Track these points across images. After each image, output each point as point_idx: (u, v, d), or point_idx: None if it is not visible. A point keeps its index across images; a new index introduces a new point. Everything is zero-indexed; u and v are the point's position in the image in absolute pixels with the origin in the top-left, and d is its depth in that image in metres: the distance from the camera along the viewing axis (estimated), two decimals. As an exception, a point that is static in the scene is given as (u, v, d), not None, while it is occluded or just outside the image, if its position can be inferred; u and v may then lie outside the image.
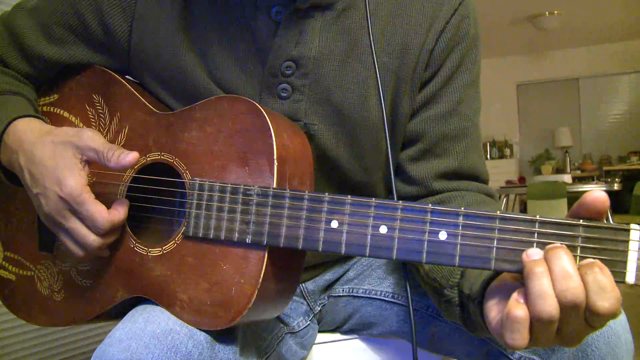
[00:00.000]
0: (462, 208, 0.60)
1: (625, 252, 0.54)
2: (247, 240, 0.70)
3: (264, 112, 0.72)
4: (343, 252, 0.65)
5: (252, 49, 0.84)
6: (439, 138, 0.87)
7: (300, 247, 0.67)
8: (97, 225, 0.74)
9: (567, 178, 6.61)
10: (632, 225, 0.54)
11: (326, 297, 1.05)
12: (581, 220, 0.55)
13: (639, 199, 5.81)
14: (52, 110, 0.92)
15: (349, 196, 0.65)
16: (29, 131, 0.80)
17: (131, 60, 0.89)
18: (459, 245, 0.59)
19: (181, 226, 0.75)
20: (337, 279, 1.05)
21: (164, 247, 0.76)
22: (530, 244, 0.57)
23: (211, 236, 0.72)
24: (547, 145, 8.69)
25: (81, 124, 0.88)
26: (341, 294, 1.03)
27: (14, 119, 0.82)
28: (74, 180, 0.75)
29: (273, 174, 0.70)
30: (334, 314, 1.05)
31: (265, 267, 0.69)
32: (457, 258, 0.59)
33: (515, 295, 0.54)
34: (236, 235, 0.71)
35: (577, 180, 7.34)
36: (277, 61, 0.83)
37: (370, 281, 1.01)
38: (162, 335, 0.68)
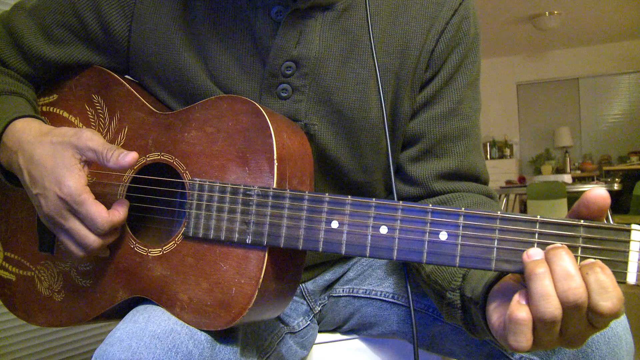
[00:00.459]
0: (463, 208, 0.59)
1: (626, 253, 0.54)
2: (247, 240, 0.70)
3: (263, 112, 0.72)
4: (343, 252, 0.65)
5: (253, 49, 0.84)
6: (439, 138, 0.87)
7: (300, 247, 0.67)
8: (96, 225, 0.74)
9: (567, 178, 6.61)
10: (633, 226, 0.54)
11: (326, 297, 1.05)
12: (582, 221, 0.55)
13: (639, 199, 5.82)
14: (51, 110, 0.92)
15: (349, 196, 0.65)
16: (28, 131, 0.80)
17: (130, 60, 0.88)
18: (459, 246, 0.59)
19: (181, 226, 0.75)
20: (337, 279, 1.05)
21: (164, 248, 0.76)
22: (530, 244, 0.56)
23: (211, 236, 0.72)
24: (547, 145, 8.68)
25: (81, 124, 0.88)
26: (341, 294, 1.03)
27: (13, 120, 0.82)
28: (74, 181, 0.75)
29: (273, 174, 0.70)
30: (334, 314, 1.05)
31: (266, 267, 0.69)
32: (458, 258, 0.59)
33: (517, 297, 0.54)
34: (236, 235, 0.70)
35: (577, 180, 7.34)
36: (277, 61, 0.82)
37: (370, 281, 1.01)
38: (163, 335, 0.68)
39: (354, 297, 1.01)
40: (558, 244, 0.54)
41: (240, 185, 0.71)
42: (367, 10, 0.83)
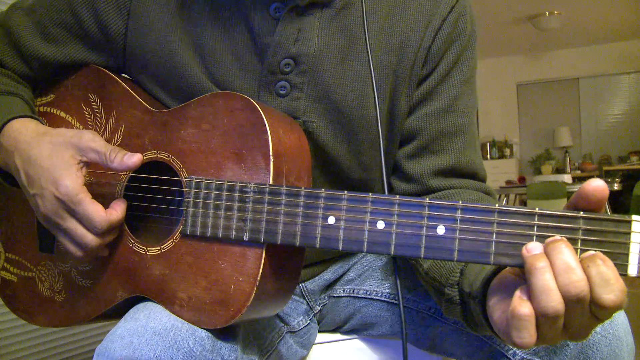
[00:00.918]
0: (460, 202, 0.59)
1: (627, 244, 0.53)
2: (244, 237, 0.70)
3: (258, 108, 0.72)
4: (341, 248, 0.64)
5: (251, 46, 0.84)
6: (435, 135, 0.87)
7: (297, 243, 0.67)
8: (94, 225, 0.74)
9: (567, 178, 6.61)
10: (634, 217, 0.53)
11: (326, 297, 1.05)
12: (581, 213, 0.54)
13: (639, 199, 5.81)
14: (48, 110, 0.92)
15: (346, 191, 0.64)
16: (24, 132, 0.80)
17: (127, 59, 0.88)
18: (457, 240, 0.59)
19: (179, 225, 0.75)
20: (337, 279, 1.05)
21: (162, 246, 0.76)
22: (529, 238, 0.56)
23: (209, 234, 0.72)
24: (547, 145, 8.68)
25: (77, 124, 0.88)
26: (342, 295, 1.03)
27: (10, 120, 0.82)
28: (71, 180, 0.75)
29: (269, 170, 0.70)
30: (334, 314, 1.05)
31: (264, 264, 0.69)
32: (456, 253, 0.59)
33: (518, 292, 0.54)
34: (233, 232, 0.70)
35: (577, 180, 7.33)
36: (275, 58, 0.82)
37: (371, 282, 1.01)
38: (164, 332, 0.68)
39: (355, 297, 1.01)
40: (557, 237, 0.53)
41: (237, 182, 0.71)
42: (363, 9, 0.83)
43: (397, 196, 0.62)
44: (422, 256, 0.60)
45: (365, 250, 0.63)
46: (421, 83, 0.87)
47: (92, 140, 0.77)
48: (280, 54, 0.82)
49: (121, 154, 0.76)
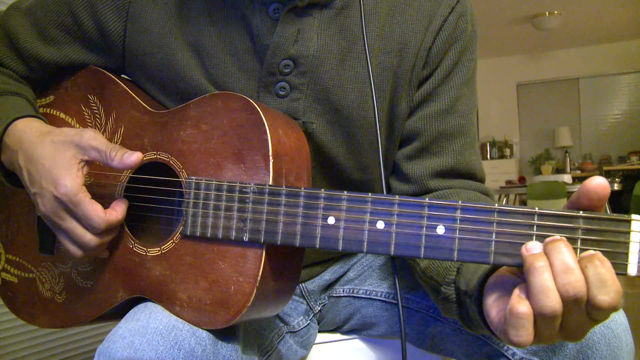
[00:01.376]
0: (460, 202, 0.59)
1: (626, 244, 0.53)
2: (244, 238, 0.70)
3: (258, 108, 0.72)
4: (340, 248, 0.64)
5: (250, 47, 0.84)
6: (435, 136, 0.87)
7: (297, 244, 0.67)
8: (93, 224, 0.74)
9: (567, 178, 6.61)
10: (633, 216, 0.53)
11: (326, 297, 1.05)
12: (581, 212, 0.54)
13: (639, 199, 5.80)
14: (48, 111, 0.92)
15: (345, 192, 0.64)
16: (29, 131, 0.80)
17: (126, 60, 0.88)
18: (457, 240, 0.59)
19: (179, 225, 0.75)
20: (337, 279, 1.05)
21: (162, 247, 0.76)
22: (529, 237, 0.56)
23: (209, 235, 0.72)
24: (547, 145, 8.68)
25: (77, 125, 0.88)
26: (342, 295, 1.03)
27: (14, 120, 0.82)
28: (70, 180, 0.75)
29: (269, 171, 0.70)
30: (334, 314, 1.05)
31: (264, 265, 0.69)
32: (456, 252, 0.59)
33: (516, 291, 0.54)
34: (233, 233, 0.70)
35: (577, 180, 7.33)
36: (275, 59, 0.82)
37: (371, 282, 1.00)
38: (165, 332, 0.68)
39: (355, 297, 1.01)
40: (557, 237, 0.53)
41: (236, 182, 0.71)
42: (361, 10, 0.83)
43: (397, 196, 0.62)
44: (422, 256, 0.60)
45: (365, 250, 0.63)
46: (422, 84, 0.87)
47: (93, 139, 0.77)
48: (280, 55, 0.82)
49: (121, 152, 0.76)
